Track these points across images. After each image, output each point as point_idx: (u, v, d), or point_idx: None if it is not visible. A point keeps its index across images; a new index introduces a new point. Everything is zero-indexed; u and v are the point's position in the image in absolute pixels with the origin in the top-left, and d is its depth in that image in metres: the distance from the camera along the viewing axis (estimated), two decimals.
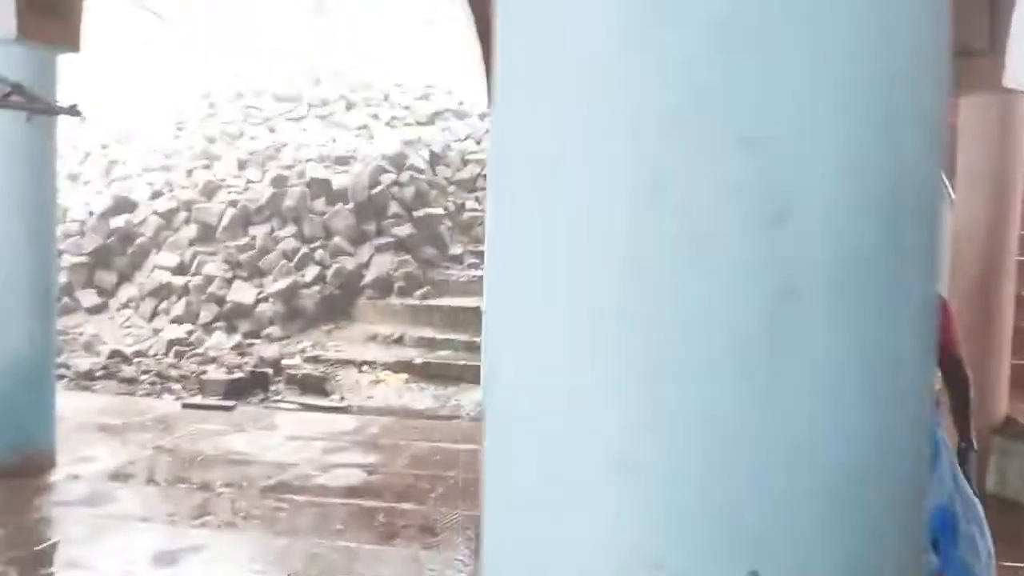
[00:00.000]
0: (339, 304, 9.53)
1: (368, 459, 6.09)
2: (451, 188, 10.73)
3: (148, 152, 10.92)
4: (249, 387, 7.78)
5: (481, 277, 9.82)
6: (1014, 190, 5.32)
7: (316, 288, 9.49)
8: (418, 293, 9.71)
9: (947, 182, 5.73)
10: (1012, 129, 5.29)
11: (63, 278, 9.02)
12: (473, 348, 8.74)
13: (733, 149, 0.86)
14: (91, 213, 10.11)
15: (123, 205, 10.22)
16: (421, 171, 10.43)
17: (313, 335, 9.13)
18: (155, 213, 10.09)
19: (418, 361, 8.58)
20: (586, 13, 0.91)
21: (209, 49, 12.84)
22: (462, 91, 11.77)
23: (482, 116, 11.57)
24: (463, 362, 8.51)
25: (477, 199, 10.97)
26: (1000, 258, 5.33)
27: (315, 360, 8.60)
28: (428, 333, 9.12)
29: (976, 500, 2.50)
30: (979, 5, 5.08)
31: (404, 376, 8.39)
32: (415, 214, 10.19)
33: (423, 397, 7.85)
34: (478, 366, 8.27)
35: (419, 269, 9.94)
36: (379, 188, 10.04)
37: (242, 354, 8.69)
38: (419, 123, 11.00)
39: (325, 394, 7.91)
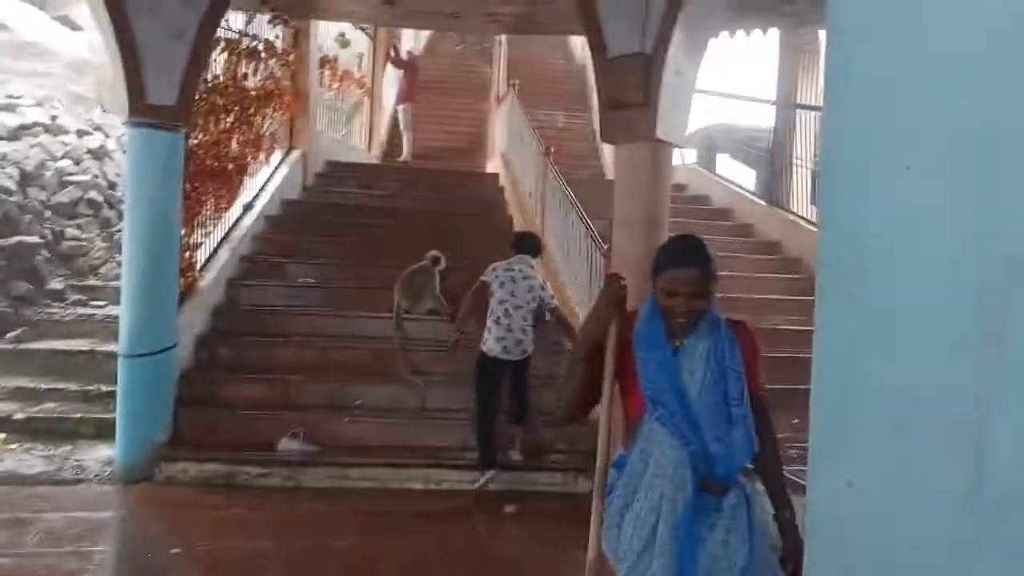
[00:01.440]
0: None
1: None
2: (47, 213, 9.28)
3: None
4: None
5: (90, 316, 8.63)
6: (663, 231, 5.96)
7: None
8: (10, 336, 8.21)
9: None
10: (660, 176, 5.95)
11: None
12: (88, 398, 7.61)
13: None
14: None
15: None
16: (10, 193, 8.89)
17: None
18: None
19: (18, 416, 7.22)
20: None
21: None
22: (56, 104, 10.30)
23: (80, 133, 10.23)
24: (78, 415, 7.35)
25: (79, 226, 9.63)
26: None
27: None
28: (26, 383, 7.73)
29: None
30: (635, 62, 5.64)
31: (2, 436, 7.01)
32: (3, 243, 8.64)
33: (32, 459, 6.59)
34: (97, 418, 7.21)
35: (11, 307, 8.43)
36: None
37: None
38: (2, 138, 9.37)
39: None
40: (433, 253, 7.58)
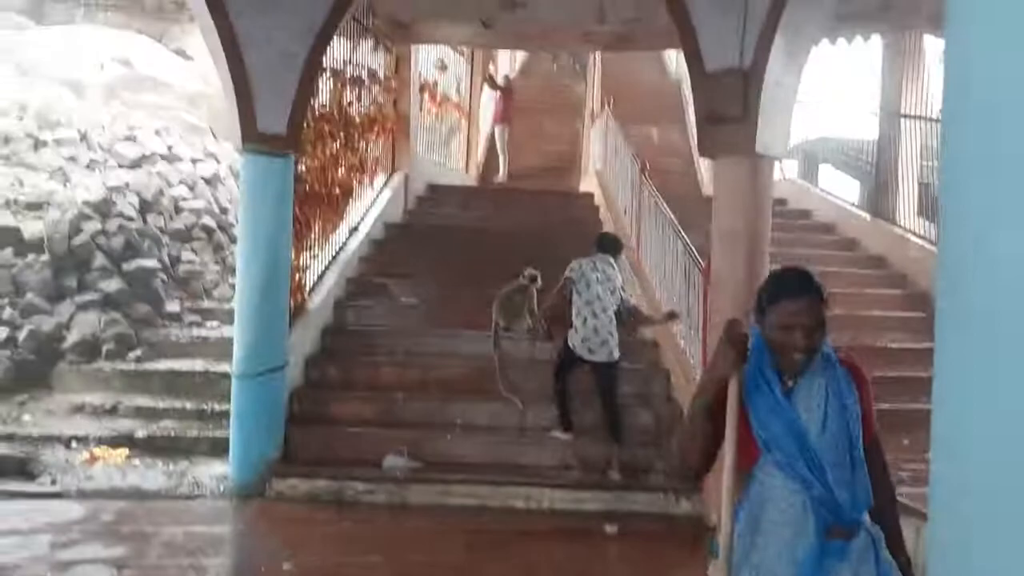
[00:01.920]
0: (34, 371, 8.20)
1: (113, 552, 5.22)
2: (165, 238, 9.75)
3: None
4: None
5: (204, 337, 9.02)
6: (763, 247, 5.88)
7: (5, 353, 8.10)
8: (131, 356, 8.64)
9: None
10: (761, 191, 5.87)
11: None
12: (203, 416, 7.93)
13: None
14: None
15: None
16: (130, 219, 9.39)
17: (2, 408, 7.75)
18: None
19: (140, 434, 7.57)
20: None
21: None
22: (172, 134, 10.84)
23: (194, 161, 10.73)
24: (193, 433, 7.67)
25: (193, 250, 10.09)
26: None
27: (9, 438, 7.26)
28: (147, 402, 8.11)
29: None
30: (733, 75, 5.60)
31: (124, 451, 7.36)
32: (124, 267, 9.12)
33: (153, 475, 6.90)
34: (210, 437, 7.51)
35: (131, 328, 8.87)
36: (81, 237, 8.86)
37: None
38: (123, 167, 9.91)
39: (30, 477, 6.71)
40: (530, 271, 7.65)
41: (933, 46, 9.71)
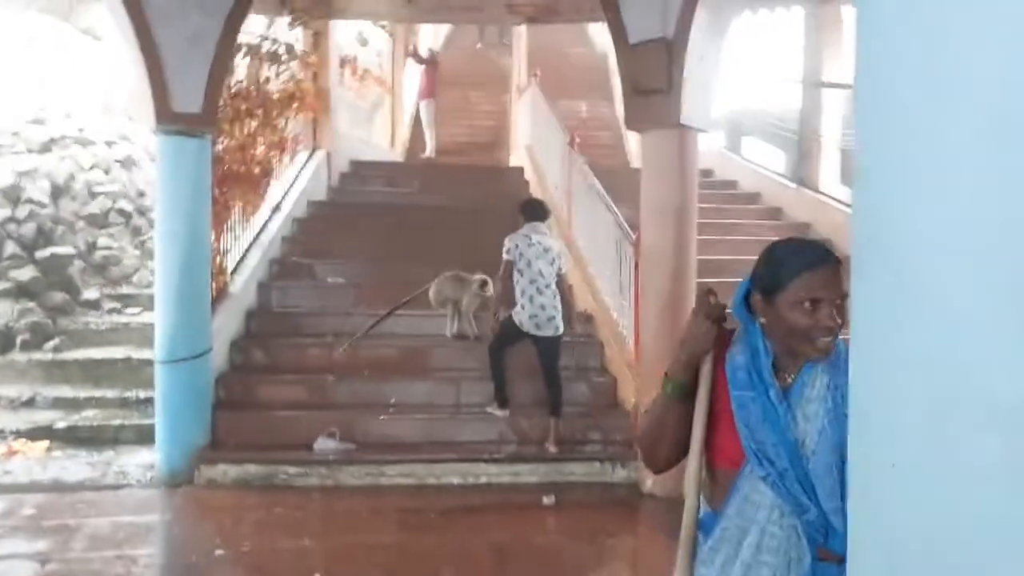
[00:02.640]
0: None
1: (36, 546, 5.04)
2: (79, 224, 9.40)
3: None
4: None
5: (125, 324, 8.75)
6: (691, 218, 5.93)
7: None
8: (48, 346, 8.34)
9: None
10: (687, 162, 5.91)
11: None
12: (127, 404, 7.73)
13: None
14: None
15: None
16: (42, 205, 9.02)
17: None
18: None
19: (60, 425, 7.34)
20: None
21: None
22: (84, 116, 10.42)
23: (108, 143, 10.35)
24: (118, 421, 7.47)
25: (111, 235, 9.75)
26: (684, 281, 5.90)
27: None
28: (67, 392, 7.85)
29: None
30: (656, 48, 5.60)
31: (45, 444, 7.12)
32: (37, 255, 8.77)
33: (76, 466, 6.69)
34: (136, 424, 7.33)
35: (47, 318, 8.56)
36: None
37: None
38: (32, 151, 9.50)
39: None
40: (480, 277, 7.40)
41: (851, 16, 9.86)
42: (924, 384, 0.82)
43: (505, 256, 6.52)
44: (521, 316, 6.50)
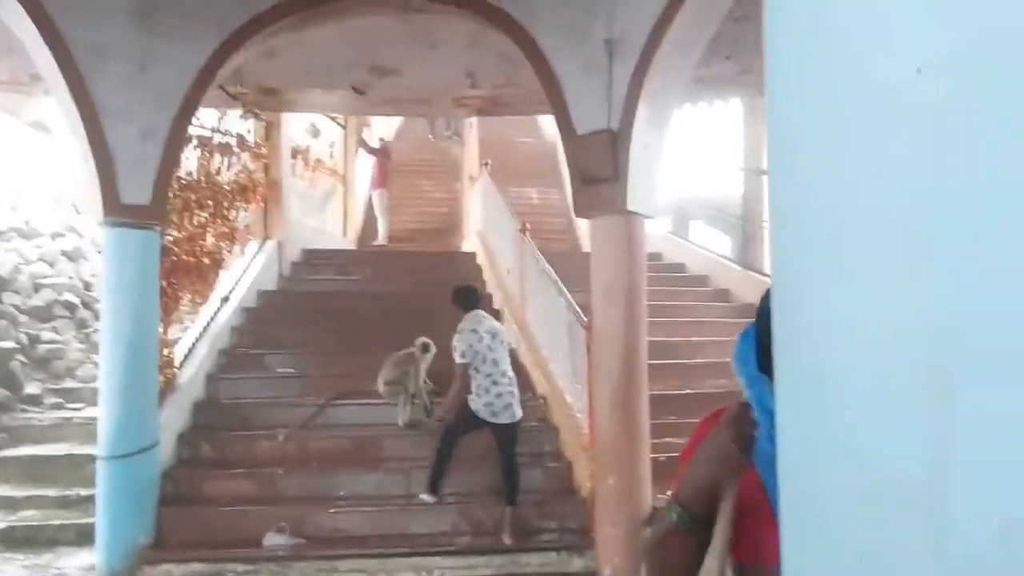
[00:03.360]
0: None
1: None
2: (22, 318, 9.22)
3: None
4: None
5: (67, 419, 8.51)
6: (641, 300, 6.01)
7: None
8: None
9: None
10: (635, 247, 6.02)
11: None
12: (68, 503, 7.46)
13: None
14: None
15: None
16: None
17: None
18: None
19: None
20: None
21: None
22: (29, 208, 10.32)
23: (54, 235, 10.24)
24: (57, 522, 7.19)
25: (55, 328, 9.57)
26: (636, 362, 5.94)
27: None
28: (5, 491, 7.56)
29: None
30: (602, 138, 5.76)
31: None
32: None
33: (13, 570, 6.40)
34: (76, 524, 7.06)
35: None
36: None
37: None
38: None
39: None
40: (422, 340, 7.48)
41: None
42: (844, 474, 0.84)
43: (461, 360, 6.49)
44: (476, 404, 6.47)
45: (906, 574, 0.79)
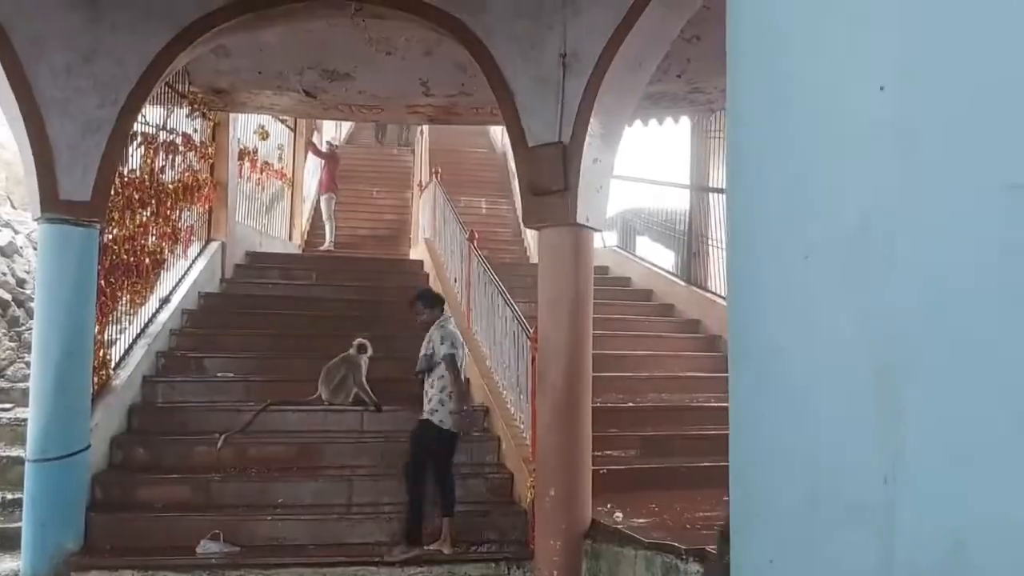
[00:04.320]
0: None
1: None
2: None
3: None
4: None
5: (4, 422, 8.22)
6: (587, 312, 6.04)
7: None
8: None
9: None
10: (582, 259, 6.05)
11: None
12: None
13: None
14: None
15: None
16: None
17: None
18: None
19: None
20: None
21: None
22: None
23: None
24: None
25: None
26: (580, 374, 5.96)
27: None
28: None
29: None
30: (553, 151, 5.79)
31: None
32: None
33: None
34: (2, 528, 6.82)
35: None
36: None
37: None
38: None
39: None
40: (360, 341, 7.49)
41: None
42: (791, 483, 0.85)
43: (460, 353, 6.45)
44: (441, 414, 6.35)
45: None
